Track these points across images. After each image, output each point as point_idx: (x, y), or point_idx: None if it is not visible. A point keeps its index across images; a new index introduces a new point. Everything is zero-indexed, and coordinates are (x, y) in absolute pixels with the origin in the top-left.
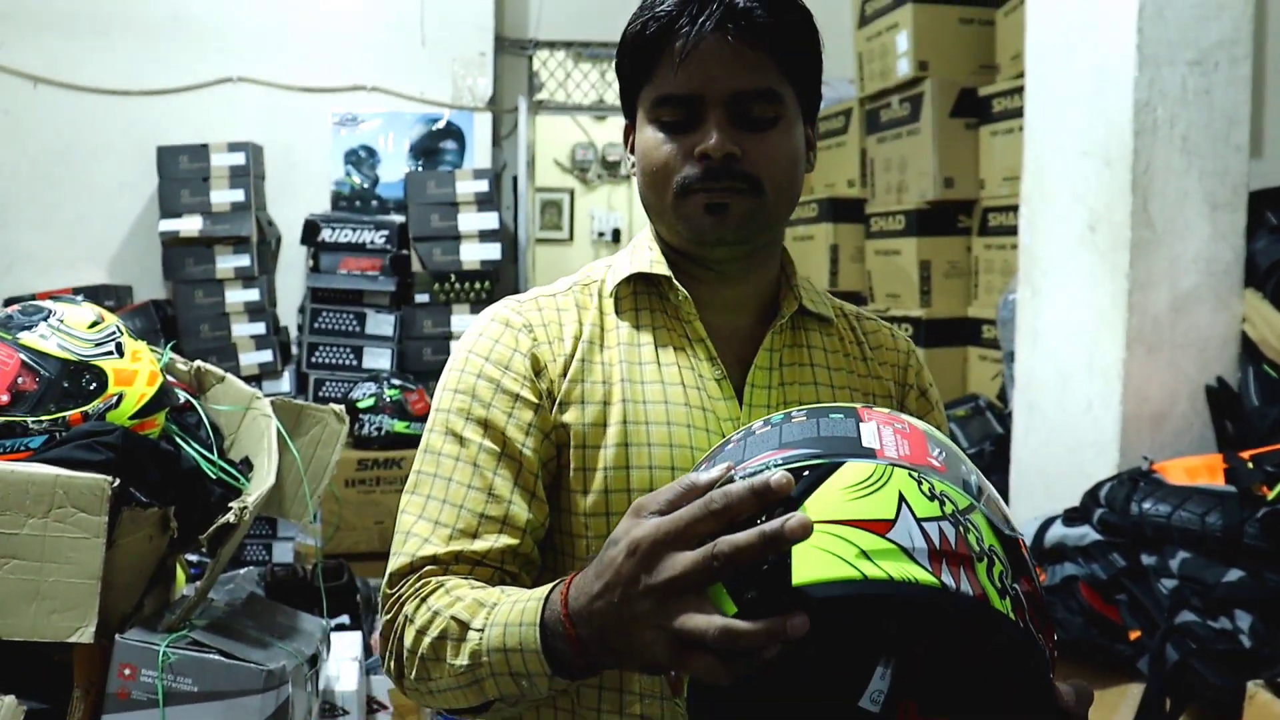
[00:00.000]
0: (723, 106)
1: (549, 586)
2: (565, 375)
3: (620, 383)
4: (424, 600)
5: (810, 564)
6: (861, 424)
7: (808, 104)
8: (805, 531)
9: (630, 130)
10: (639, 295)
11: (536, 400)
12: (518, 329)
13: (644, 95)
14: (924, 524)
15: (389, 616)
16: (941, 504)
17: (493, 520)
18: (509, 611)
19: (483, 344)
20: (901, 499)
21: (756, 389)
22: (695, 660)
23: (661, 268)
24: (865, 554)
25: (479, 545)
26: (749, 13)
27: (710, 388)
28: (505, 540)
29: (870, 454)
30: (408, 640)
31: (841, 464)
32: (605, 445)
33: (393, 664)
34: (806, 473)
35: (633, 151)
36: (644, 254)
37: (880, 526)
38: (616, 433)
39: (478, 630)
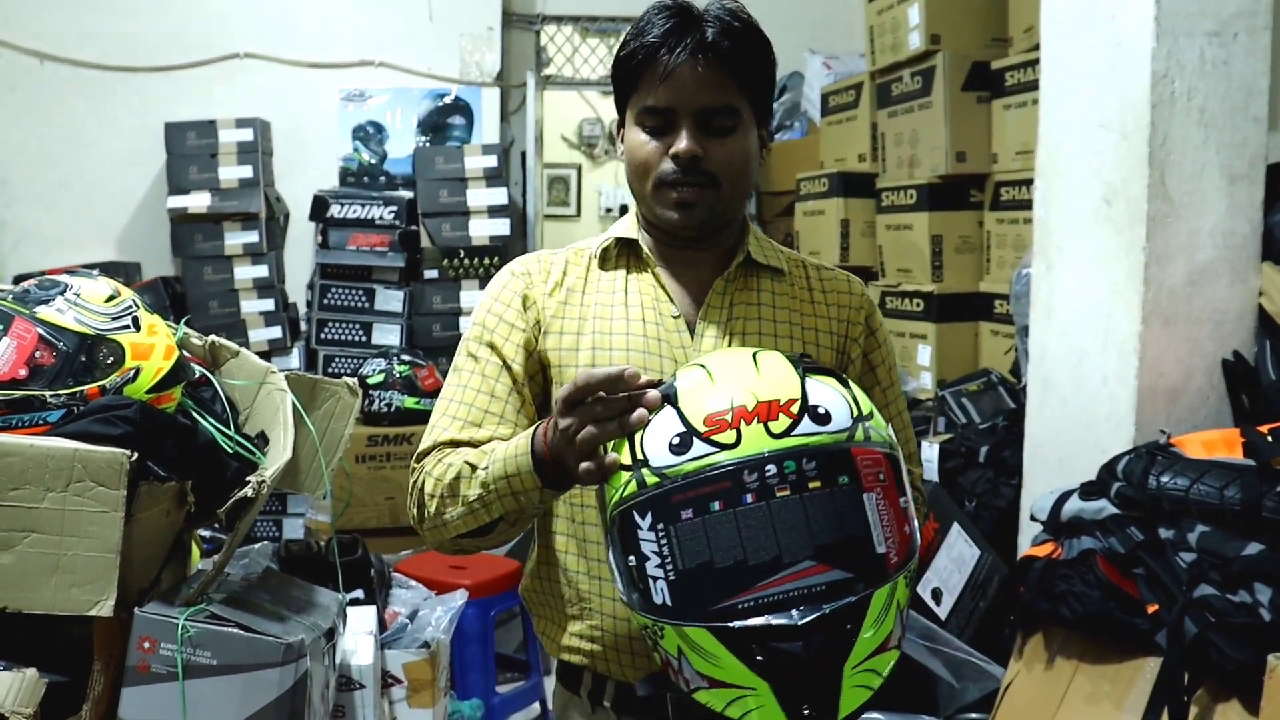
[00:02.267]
0: (691, 117)
1: (533, 428)
2: (548, 308)
3: (594, 319)
4: (441, 459)
5: (853, 699)
6: (865, 496)
7: (761, 113)
8: (641, 422)
9: (621, 127)
10: (620, 256)
11: (525, 327)
12: (519, 275)
13: (632, 103)
14: (903, 616)
15: (414, 479)
16: (911, 584)
17: (492, 415)
18: (505, 449)
19: (494, 289)
20: (898, 612)
21: (708, 324)
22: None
23: (634, 234)
24: (879, 675)
25: (481, 433)
26: (716, 45)
27: (667, 323)
28: (501, 430)
29: (881, 568)
30: (428, 487)
31: (870, 599)
32: (577, 366)
33: (415, 510)
34: (849, 625)
35: (623, 142)
36: (625, 224)
37: (888, 643)
38: (586, 357)
39: (484, 469)
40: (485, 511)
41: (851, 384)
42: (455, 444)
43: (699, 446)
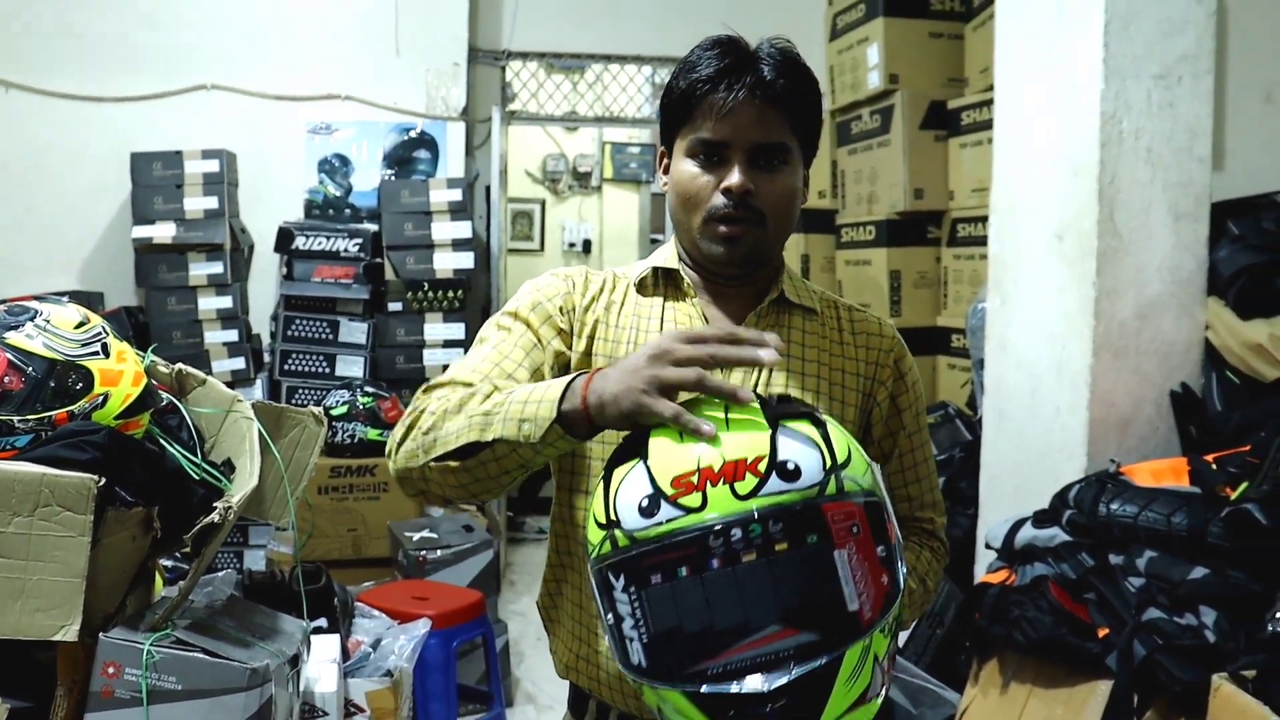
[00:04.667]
0: (745, 153)
1: (578, 372)
2: (586, 320)
3: (628, 343)
4: (459, 392)
5: None
6: (835, 553)
7: (808, 153)
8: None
9: (664, 157)
10: (658, 285)
11: (563, 325)
12: (562, 279)
13: (683, 134)
14: (881, 665)
15: (415, 405)
16: (892, 632)
17: (515, 382)
18: (535, 384)
19: (539, 283)
20: (876, 665)
21: None
22: (660, 404)
23: (674, 263)
24: None
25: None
26: (773, 84)
27: None
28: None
29: (854, 626)
30: (429, 407)
31: (841, 657)
32: None
33: (400, 432)
34: (821, 686)
35: (666, 173)
36: (663, 253)
37: (867, 695)
38: None
39: (505, 393)
40: (483, 428)
41: (830, 425)
42: (469, 385)
43: (666, 509)
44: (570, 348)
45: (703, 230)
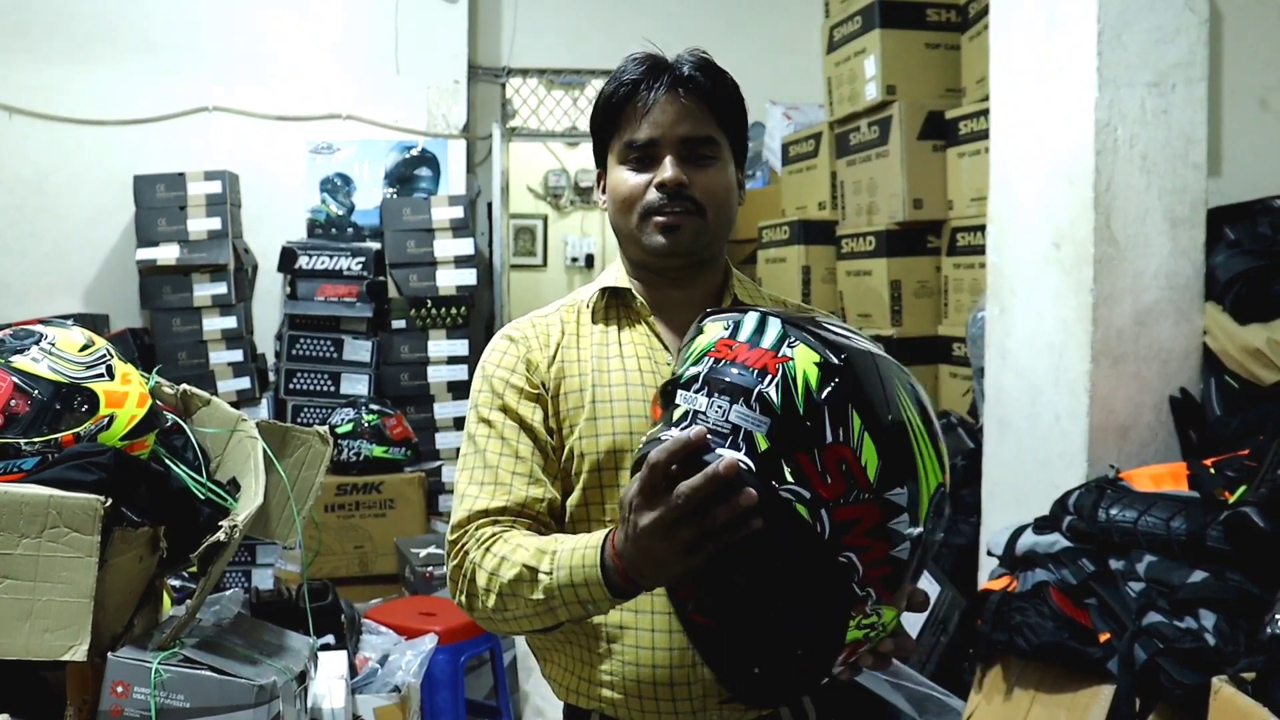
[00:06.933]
0: (674, 148)
1: (600, 536)
2: (551, 372)
3: (592, 373)
4: (488, 549)
5: None
6: None
7: (738, 153)
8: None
9: (601, 176)
10: (610, 307)
11: (535, 389)
12: (519, 341)
13: (613, 144)
14: None
15: (455, 562)
16: None
17: (521, 475)
18: (570, 557)
19: (495, 356)
20: None
21: None
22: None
23: (624, 282)
24: None
25: (515, 496)
26: (692, 79)
27: (663, 371)
28: (533, 491)
29: None
30: (480, 581)
31: None
32: (582, 420)
33: (463, 599)
34: None
35: (603, 191)
36: (613, 274)
37: None
38: (589, 410)
39: (546, 573)
40: (551, 616)
41: None
42: (487, 512)
43: None
44: (549, 400)
45: (641, 226)
